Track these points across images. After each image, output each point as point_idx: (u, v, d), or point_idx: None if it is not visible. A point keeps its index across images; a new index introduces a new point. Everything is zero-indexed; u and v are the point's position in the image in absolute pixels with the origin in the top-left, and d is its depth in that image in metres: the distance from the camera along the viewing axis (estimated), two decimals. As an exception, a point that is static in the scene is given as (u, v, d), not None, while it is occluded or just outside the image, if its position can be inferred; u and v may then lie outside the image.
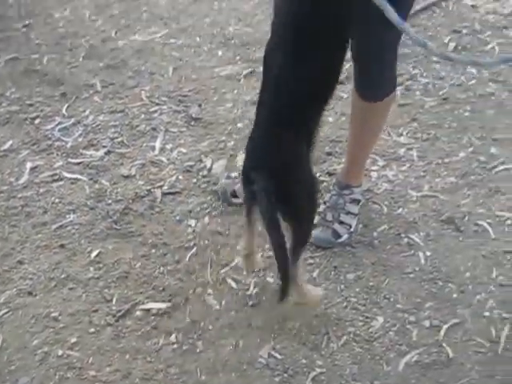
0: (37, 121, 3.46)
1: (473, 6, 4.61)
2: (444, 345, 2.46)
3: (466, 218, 2.96)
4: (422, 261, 2.78)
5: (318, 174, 2.97)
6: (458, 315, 2.57)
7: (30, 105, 3.56)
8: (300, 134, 2.24)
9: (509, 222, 2.95)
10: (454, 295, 2.64)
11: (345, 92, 3.68)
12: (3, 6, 4.32)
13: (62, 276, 2.69)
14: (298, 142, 2.24)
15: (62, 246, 2.81)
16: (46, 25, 4.21)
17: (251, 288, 2.67)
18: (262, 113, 2.25)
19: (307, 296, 2.53)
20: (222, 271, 2.73)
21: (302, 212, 2.36)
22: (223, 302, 2.61)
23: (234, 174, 3.04)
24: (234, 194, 2.93)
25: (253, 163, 2.26)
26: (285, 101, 2.17)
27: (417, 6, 4.48)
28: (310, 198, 2.37)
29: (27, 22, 4.16)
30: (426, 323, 2.54)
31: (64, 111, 3.52)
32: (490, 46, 4.18)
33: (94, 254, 2.79)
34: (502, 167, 3.24)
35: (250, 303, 2.61)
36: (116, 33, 4.10)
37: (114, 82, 3.74)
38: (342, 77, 3.68)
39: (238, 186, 2.89)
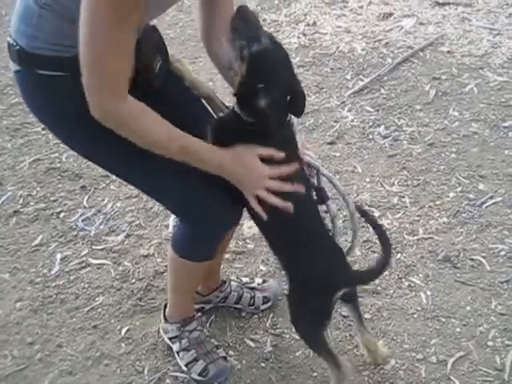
0: (62, 214, 3.51)
1: (449, 51, 4.69)
2: (452, 378, 2.46)
3: (462, 255, 2.98)
4: (424, 301, 2.79)
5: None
6: (463, 348, 2.57)
7: (54, 200, 3.62)
8: None
9: (502, 253, 2.97)
10: (458, 329, 2.64)
11: (337, 151, 3.73)
12: (24, 114, 4.41)
13: (98, 354, 2.71)
14: None
15: (94, 326, 2.84)
16: (63, 124, 4.28)
17: (268, 345, 2.68)
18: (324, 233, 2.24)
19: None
20: (240, 333, 2.75)
21: None
22: (244, 362, 2.62)
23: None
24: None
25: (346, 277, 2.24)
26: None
27: (396, 60, 4.57)
28: None
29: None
30: (433, 359, 2.54)
31: (85, 203, 3.58)
32: (468, 88, 4.22)
33: (123, 330, 2.81)
34: (490, 202, 3.27)
35: (270, 360, 2.62)
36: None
37: (127, 169, 3.78)
38: (333, 137, 3.81)
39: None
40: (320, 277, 2.15)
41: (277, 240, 2.23)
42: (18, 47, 1.93)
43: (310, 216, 2.17)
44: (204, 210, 2.17)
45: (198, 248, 2.33)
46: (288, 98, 2.02)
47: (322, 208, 2.23)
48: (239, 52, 1.93)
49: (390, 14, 5.32)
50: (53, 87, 1.97)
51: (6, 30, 5.68)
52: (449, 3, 5.39)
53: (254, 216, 2.14)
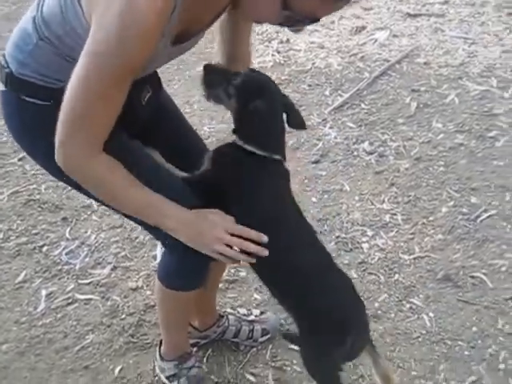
0: (44, 248, 3.31)
1: (425, 63, 4.59)
2: (467, 406, 2.31)
3: (461, 273, 2.85)
4: (428, 323, 2.64)
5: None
6: (474, 372, 2.42)
7: (36, 234, 3.41)
8: None
9: (503, 268, 2.85)
10: (466, 352, 2.50)
11: (323, 170, 3.58)
12: (0, 145, 4.21)
13: (92, 398, 2.53)
14: None
15: (86, 367, 2.64)
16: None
17: (270, 379, 2.50)
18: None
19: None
20: (239, 367, 2.56)
21: None
22: (246, 399, 2.45)
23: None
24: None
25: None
26: None
27: (374, 73, 4.45)
28: None
29: (21, 156, 4.03)
30: (444, 386, 2.38)
31: (67, 235, 3.38)
32: (449, 99, 4.10)
33: (117, 370, 2.61)
34: (485, 215, 3.15)
35: (272, 395, 2.45)
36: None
37: (110, 199, 3.59)
38: (317, 155, 3.66)
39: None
40: (335, 320, 1.95)
41: (280, 287, 2.03)
42: (7, 70, 1.84)
43: (311, 253, 1.97)
44: None
45: (184, 277, 2.13)
46: (284, 115, 1.94)
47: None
48: (224, 94, 1.90)
49: (363, 28, 5.20)
50: (33, 113, 1.87)
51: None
52: (420, 14, 5.29)
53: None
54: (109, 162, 1.73)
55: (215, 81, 1.91)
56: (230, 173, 1.92)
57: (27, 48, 1.78)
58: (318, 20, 1.61)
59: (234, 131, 1.94)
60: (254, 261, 1.86)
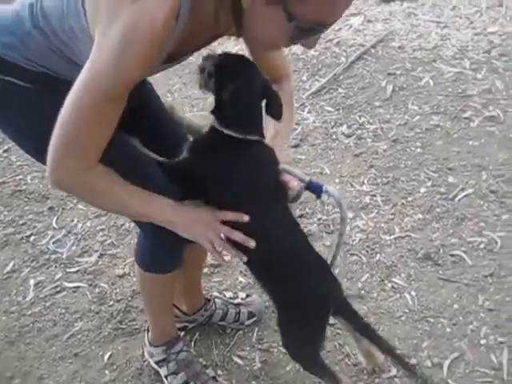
0: (32, 238, 3.24)
1: (400, 47, 4.53)
2: (450, 381, 2.27)
3: (441, 251, 2.80)
4: (410, 302, 2.60)
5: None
6: (456, 349, 2.38)
7: (23, 224, 3.34)
8: None
9: (482, 245, 2.80)
10: (448, 329, 2.46)
11: (302, 154, 3.55)
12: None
13: (82, 385, 2.47)
14: None
15: (75, 354, 2.59)
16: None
17: (257, 362, 2.45)
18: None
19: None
20: (226, 350, 2.51)
21: None
22: (233, 381, 2.39)
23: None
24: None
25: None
26: None
27: (350, 58, 4.39)
28: None
29: (6, 147, 3.95)
30: (428, 363, 2.34)
31: (54, 224, 3.31)
32: (424, 81, 4.06)
33: (106, 356, 2.56)
34: (462, 194, 3.10)
35: (261, 377, 2.39)
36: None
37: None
38: (297, 139, 3.60)
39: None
40: (311, 298, 1.88)
41: (258, 267, 1.94)
42: None
43: (288, 236, 1.88)
44: None
45: (159, 260, 2.08)
46: (263, 100, 1.82)
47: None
48: (207, 75, 1.80)
49: (338, 14, 5.11)
50: (11, 94, 1.76)
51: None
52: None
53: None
54: (103, 173, 1.65)
55: (206, 67, 1.82)
56: (209, 159, 1.82)
57: (18, 32, 1.68)
58: (330, 26, 1.48)
59: (212, 112, 1.83)
60: (245, 259, 1.79)
